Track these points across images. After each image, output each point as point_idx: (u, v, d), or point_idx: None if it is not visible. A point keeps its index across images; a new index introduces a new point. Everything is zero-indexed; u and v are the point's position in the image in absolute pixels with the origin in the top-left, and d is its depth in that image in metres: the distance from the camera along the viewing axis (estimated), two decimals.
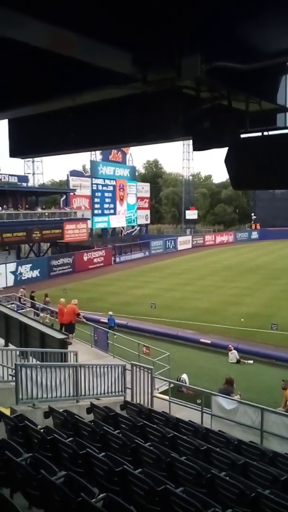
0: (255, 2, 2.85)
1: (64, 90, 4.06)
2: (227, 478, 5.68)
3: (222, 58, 3.05)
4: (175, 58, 3.16)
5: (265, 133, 4.33)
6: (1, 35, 2.89)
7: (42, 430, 6.85)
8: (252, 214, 71.81)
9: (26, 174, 58.95)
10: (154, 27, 3.12)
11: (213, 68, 3.11)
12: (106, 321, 22.60)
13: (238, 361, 18.45)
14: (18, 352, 12.85)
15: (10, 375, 10.96)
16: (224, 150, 4.37)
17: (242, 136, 4.34)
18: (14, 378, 9.98)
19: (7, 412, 8.45)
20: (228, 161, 4.34)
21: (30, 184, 56.81)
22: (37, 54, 3.31)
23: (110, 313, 22.74)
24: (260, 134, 4.38)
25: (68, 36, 2.86)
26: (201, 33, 3.07)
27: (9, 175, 46.58)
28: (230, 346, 19.13)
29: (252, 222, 70.69)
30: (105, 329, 18.65)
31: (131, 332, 21.82)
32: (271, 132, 4.33)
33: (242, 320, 23.34)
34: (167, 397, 12.36)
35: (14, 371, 10.08)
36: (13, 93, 4.38)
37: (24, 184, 50.46)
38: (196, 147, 4.26)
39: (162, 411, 10.50)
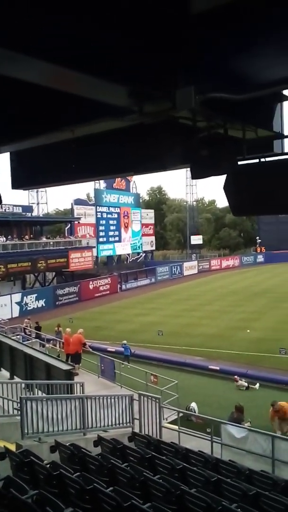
0: (245, 36, 2.90)
1: (63, 124, 4.13)
2: (239, 510, 5.53)
3: (215, 90, 3.09)
4: (170, 91, 3.21)
5: (263, 159, 4.36)
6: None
7: (48, 466, 6.72)
8: (257, 237, 71.91)
9: (30, 204, 59.56)
10: (148, 61, 3.18)
11: (208, 99, 3.15)
12: (113, 350, 22.45)
13: (247, 388, 18.16)
14: (23, 385, 12.73)
15: (15, 408, 10.82)
16: (224, 177, 4.40)
17: (240, 163, 4.37)
18: (19, 412, 9.86)
19: (12, 447, 8.32)
20: (227, 188, 4.36)
21: (35, 213, 57.32)
22: (36, 89, 3.37)
23: (125, 341, 22.48)
24: (257, 160, 4.41)
25: (65, 74, 2.92)
26: (194, 66, 3.13)
27: (14, 205, 47.02)
28: (236, 377, 18.82)
29: (257, 245, 70.71)
30: (111, 358, 18.48)
31: (138, 360, 21.61)
32: (268, 159, 4.36)
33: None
34: (176, 427, 12.15)
35: (19, 405, 9.96)
36: (12, 127, 4.45)
37: (29, 214, 50.93)
38: (194, 176, 4.29)
39: (171, 442, 10.30)
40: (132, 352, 22.31)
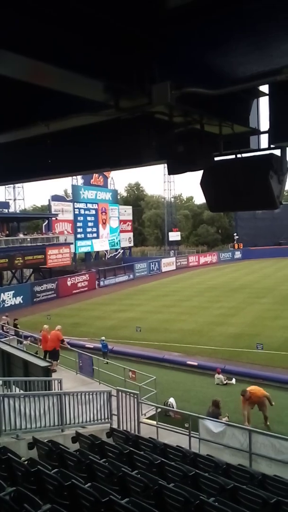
0: (221, 31, 2.91)
1: (38, 118, 4.09)
2: (216, 503, 5.58)
3: (191, 85, 3.10)
4: (145, 85, 3.20)
5: (239, 155, 4.39)
6: None
7: (26, 462, 6.69)
8: (235, 234, 72.43)
9: (7, 200, 58.87)
10: (124, 56, 3.17)
11: (184, 94, 3.15)
12: (91, 346, 22.39)
13: (225, 384, 18.32)
14: (0, 382, 12.61)
15: None
16: (201, 172, 4.42)
17: (216, 159, 4.39)
18: None
19: None
20: (203, 184, 4.38)
21: (11, 210, 56.65)
22: (10, 82, 3.33)
23: (103, 338, 22.48)
24: (234, 156, 4.44)
25: (41, 67, 2.89)
26: (170, 61, 3.13)
27: None
28: (219, 369, 19.00)
29: (235, 242, 71.25)
30: (89, 354, 18.42)
31: (116, 356, 21.60)
32: (244, 155, 4.39)
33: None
34: (154, 422, 12.18)
35: None
36: None
37: (5, 210, 50.31)
38: (171, 171, 4.30)
39: (150, 437, 10.34)
40: (110, 348, 22.30)
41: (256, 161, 4.34)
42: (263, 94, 4.31)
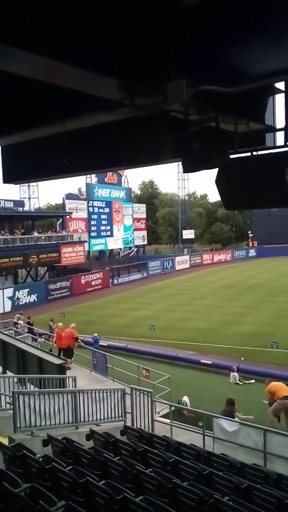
0: (238, 29, 2.89)
1: (54, 117, 4.10)
2: (230, 502, 5.56)
3: (207, 82, 3.09)
4: (161, 84, 3.20)
5: (255, 153, 4.36)
6: None
7: (41, 459, 6.72)
8: (249, 232, 72.00)
9: (22, 199, 59.16)
10: (140, 54, 3.16)
11: (199, 92, 3.14)
12: (105, 344, 22.49)
13: (237, 383, 18.24)
14: (16, 379, 12.71)
15: (7, 403, 10.80)
16: (216, 170, 4.40)
17: (232, 156, 4.37)
18: (12, 406, 9.84)
19: (5, 441, 8.32)
20: (218, 182, 4.36)
21: (26, 208, 56.95)
22: (27, 82, 3.35)
23: (96, 334, 22.73)
24: (249, 154, 4.41)
25: (58, 67, 2.90)
26: (186, 58, 3.12)
27: (5, 200, 46.77)
28: (234, 367, 18.95)
29: (249, 240, 70.83)
30: (103, 352, 18.48)
31: (130, 354, 21.64)
32: (260, 152, 4.36)
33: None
34: (168, 421, 12.18)
35: (11, 399, 9.94)
36: (3, 120, 4.42)
37: (20, 209, 50.64)
38: (186, 169, 4.29)
39: (163, 435, 10.33)
40: (124, 346, 22.41)
41: (272, 158, 4.31)
42: (279, 91, 4.27)
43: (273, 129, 4.54)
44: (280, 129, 4.49)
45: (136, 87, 3.31)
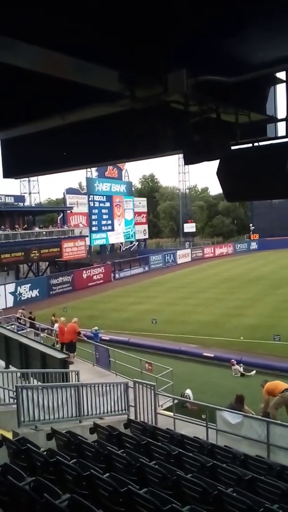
0: (239, 18, 2.86)
1: (53, 110, 4.07)
2: (234, 494, 5.58)
3: (207, 73, 3.06)
4: (161, 74, 3.17)
5: (256, 144, 4.33)
6: None
7: (45, 453, 6.75)
8: (250, 224, 71.93)
9: (22, 194, 59.16)
10: (139, 45, 3.13)
11: (200, 83, 3.11)
12: (108, 338, 22.54)
13: (242, 375, 18.30)
14: (19, 374, 12.74)
15: (11, 397, 10.84)
16: (217, 162, 4.36)
17: (233, 148, 4.34)
18: (15, 401, 9.87)
19: (9, 435, 8.34)
20: (220, 173, 4.33)
21: (27, 203, 56.97)
22: (25, 74, 3.32)
23: (96, 328, 22.81)
24: (250, 145, 4.38)
25: (55, 58, 2.88)
26: (186, 49, 3.08)
27: (5, 195, 46.80)
28: (233, 360, 18.98)
29: (251, 232, 70.77)
30: (106, 346, 18.52)
31: (133, 348, 21.67)
32: (261, 143, 4.33)
33: (242, 338, 22.93)
34: (171, 414, 12.21)
35: (15, 394, 9.97)
36: (2, 114, 4.39)
37: (21, 204, 50.66)
38: (187, 161, 4.25)
39: (167, 428, 10.37)
40: (126, 340, 22.44)
41: (274, 149, 4.28)
42: (281, 81, 4.23)
43: (275, 120, 4.50)
44: (281, 120, 4.45)
45: (136, 78, 3.28)
